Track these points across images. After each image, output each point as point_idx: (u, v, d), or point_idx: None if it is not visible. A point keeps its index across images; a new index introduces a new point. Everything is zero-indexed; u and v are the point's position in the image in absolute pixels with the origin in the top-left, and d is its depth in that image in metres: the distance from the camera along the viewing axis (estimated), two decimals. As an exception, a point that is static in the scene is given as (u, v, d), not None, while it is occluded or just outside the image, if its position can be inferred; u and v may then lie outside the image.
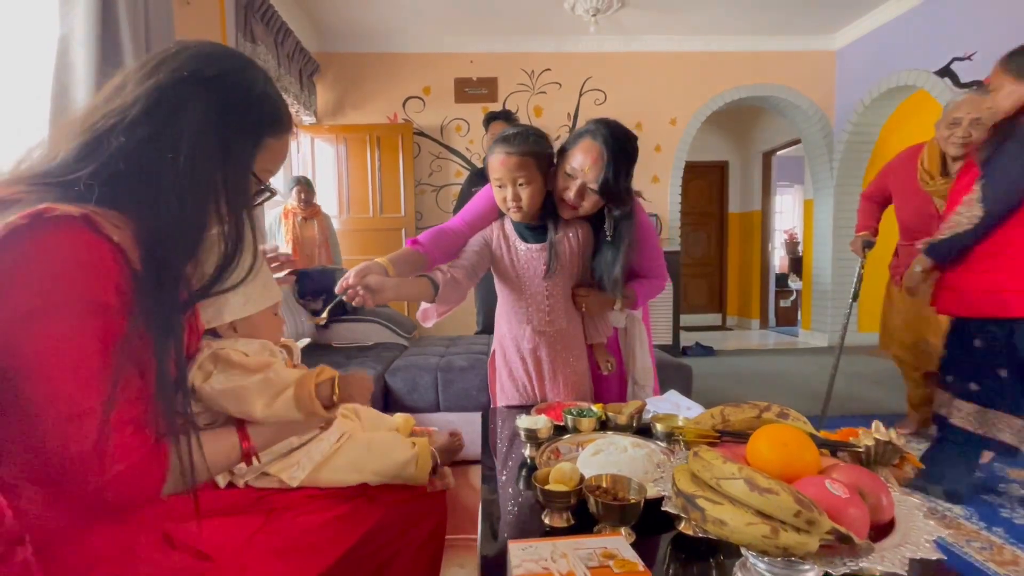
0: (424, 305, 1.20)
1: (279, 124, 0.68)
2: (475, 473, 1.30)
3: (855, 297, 2.45)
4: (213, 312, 0.72)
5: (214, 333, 0.75)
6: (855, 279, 2.42)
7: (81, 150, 0.59)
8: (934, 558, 0.43)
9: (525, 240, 1.28)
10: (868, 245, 2.35)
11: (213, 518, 0.68)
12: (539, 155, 1.17)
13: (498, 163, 1.16)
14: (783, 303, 5.97)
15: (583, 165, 1.14)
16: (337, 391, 0.72)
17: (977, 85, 3.23)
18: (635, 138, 1.19)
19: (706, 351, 4.47)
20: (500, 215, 1.31)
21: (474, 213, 1.31)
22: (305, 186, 3.49)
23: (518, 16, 3.88)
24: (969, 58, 3.31)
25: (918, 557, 0.44)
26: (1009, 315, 1.53)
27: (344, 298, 1.00)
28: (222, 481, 0.72)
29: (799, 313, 5.20)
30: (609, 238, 1.23)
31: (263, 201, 0.72)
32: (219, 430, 0.69)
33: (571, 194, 1.17)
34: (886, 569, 0.42)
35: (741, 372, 3.80)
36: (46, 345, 0.53)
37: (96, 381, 0.55)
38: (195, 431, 0.63)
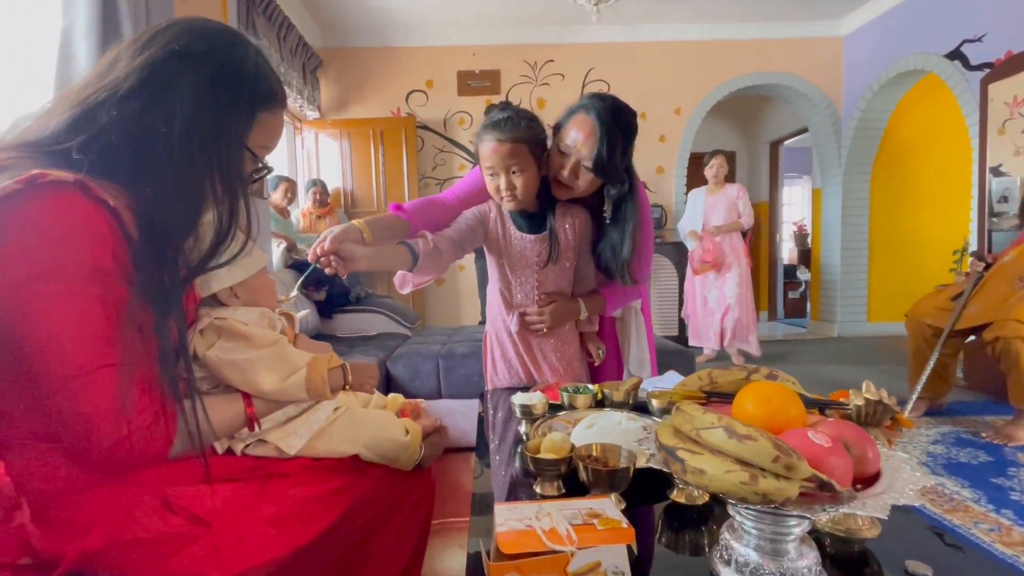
0: (401, 271, 1.14)
1: (272, 99, 0.69)
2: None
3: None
4: (200, 282, 0.73)
5: (214, 299, 0.76)
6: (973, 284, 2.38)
7: (72, 122, 0.60)
8: (917, 503, 0.43)
9: (520, 229, 1.22)
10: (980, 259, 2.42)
11: (211, 484, 0.69)
12: (532, 140, 1.11)
13: (489, 151, 1.10)
14: (792, 295, 5.91)
15: (576, 141, 1.09)
16: (350, 379, 0.78)
17: (988, 67, 3.17)
18: (633, 113, 1.13)
19: (713, 342, 4.43)
20: None
21: (467, 188, 1.25)
22: (321, 188, 3.67)
23: (520, 7, 3.87)
24: (980, 39, 3.24)
25: (900, 503, 0.43)
26: None
27: (318, 266, 0.97)
28: (219, 448, 0.73)
29: (807, 304, 5.15)
30: (608, 220, 1.18)
31: (260, 178, 0.73)
32: (225, 395, 0.70)
33: (565, 172, 1.12)
34: (867, 514, 0.41)
35: (748, 362, 3.77)
36: (47, 306, 0.54)
37: (101, 342, 0.56)
38: (199, 395, 0.64)
